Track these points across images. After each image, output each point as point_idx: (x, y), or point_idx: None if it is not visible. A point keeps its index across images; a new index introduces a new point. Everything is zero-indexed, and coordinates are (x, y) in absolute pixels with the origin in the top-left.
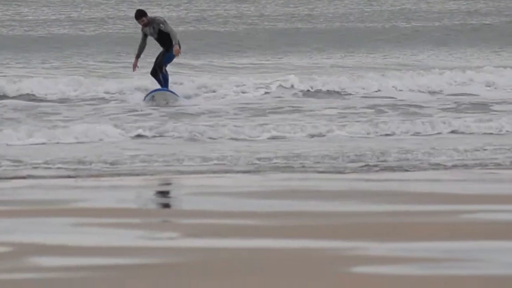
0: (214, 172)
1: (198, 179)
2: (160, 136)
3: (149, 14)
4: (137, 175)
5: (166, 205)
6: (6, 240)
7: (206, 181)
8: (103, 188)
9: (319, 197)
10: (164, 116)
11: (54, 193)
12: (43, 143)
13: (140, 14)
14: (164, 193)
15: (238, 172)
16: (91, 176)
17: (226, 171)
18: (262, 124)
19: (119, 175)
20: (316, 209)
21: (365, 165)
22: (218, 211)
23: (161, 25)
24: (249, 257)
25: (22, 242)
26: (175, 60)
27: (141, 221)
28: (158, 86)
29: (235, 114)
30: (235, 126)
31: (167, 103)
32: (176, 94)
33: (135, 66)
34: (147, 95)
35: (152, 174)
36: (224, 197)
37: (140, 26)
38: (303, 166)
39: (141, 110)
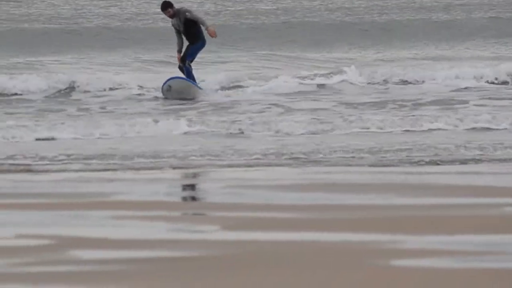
0: (252, 165)
1: (236, 172)
2: (198, 129)
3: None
4: (176, 168)
5: (204, 198)
6: (46, 233)
7: (244, 174)
8: (142, 181)
9: (357, 190)
10: (202, 108)
11: (94, 186)
12: (85, 138)
13: (166, 5)
14: (201, 186)
15: (276, 165)
16: (131, 169)
17: (265, 164)
18: (306, 118)
19: (158, 168)
20: (354, 202)
21: (403, 159)
22: (256, 204)
23: (187, 13)
24: (287, 250)
25: (62, 235)
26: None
27: (179, 214)
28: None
29: (279, 106)
30: (276, 119)
31: (185, 93)
32: (197, 85)
33: (179, 59)
34: (164, 84)
35: (190, 168)
36: (262, 190)
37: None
38: (341, 159)
39: (177, 103)
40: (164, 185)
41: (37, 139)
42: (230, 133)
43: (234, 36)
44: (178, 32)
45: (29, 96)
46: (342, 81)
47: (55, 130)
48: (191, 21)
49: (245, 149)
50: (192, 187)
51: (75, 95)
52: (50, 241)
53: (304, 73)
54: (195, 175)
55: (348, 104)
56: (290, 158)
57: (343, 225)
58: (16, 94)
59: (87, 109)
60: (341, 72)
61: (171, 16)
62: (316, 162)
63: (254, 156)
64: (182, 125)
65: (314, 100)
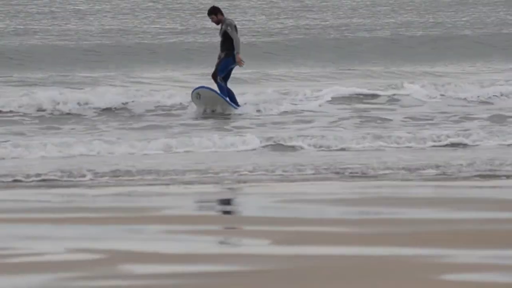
0: (303, 179)
1: (287, 186)
2: (249, 143)
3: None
4: (227, 182)
5: (255, 212)
6: (99, 247)
7: (295, 189)
8: (194, 195)
9: (409, 204)
10: (253, 122)
11: (146, 200)
12: (138, 152)
13: (210, 11)
14: (253, 201)
15: (328, 179)
16: (183, 183)
17: (316, 179)
18: (361, 132)
19: (209, 183)
20: (406, 216)
21: (455, 173)
22: (307, 218)
23: (228, 27)
24: (338, 264)
25: (114, 249)
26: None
27: (230, 228)
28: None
29: (332, 120)
30: (329, 133)
31: (214, 104)
32: (227, 101)
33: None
34: (193, 91)
35: (242, 182)
36: (314, 204)
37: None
38: (393, 174)
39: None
40: (216, 200)
41: (90, 154)
42: (281, 146)
43: (293, 51)
44: None
45: (85, 112)
46: (402, 95)
47: (110, 144)
48: (229, 36)
49: (297, 163)
50: (243, 201)
51: (131, 110)
52: (102, 256)
53: (363, 86)
54: (246, 190)
55: (405, 118)
56: (342, 172)
57: (395, 239)
58: (69, 110)
59: (141, 124)
60: (401, 86)
61: (216, 23)
62: (369, 176)
63: (306, 170)
64: (234, 140)
65: (371, 113)
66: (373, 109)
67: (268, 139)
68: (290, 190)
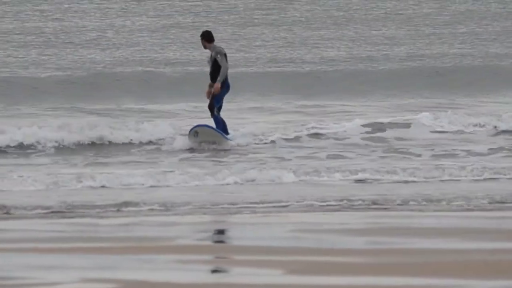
0: (315, 210)
1: (298, 217)
2: (257, 176)
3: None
4: (238, 214)
5: (267, 243)
6: (111, 277)
7: (307, 219)
8: (206, 225)
9: (419, 234)
10: (256, 156)
11: (158, 230)
12: (147, 185)
13: (202, 35)
14: (265, 231)
15: (338, 210)
16: (195, 214)
17: (327, 209)
18: (371, 164)
19: (222, 213)
20: (417, 246)
21: (464, 204)
22: (319, 248)
23: (218, 55)
24: None
25: (126, 278)
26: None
27: (242, 258)
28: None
29: (339, 151)
30: (336, 164)
31: (212, 140)
32: (224, 136)
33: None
34: (191, 130)
35: (253, 213)
36: (325, 234)
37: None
38: (404, 205)
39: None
40: (228, 230)
41: (102, 187)
42: (293, 177)
43: (292, 85)
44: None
45: (92, 144)
46: (411, 126)
47: (121, 177)
48: (218, 64)
49: (309, 194)
50: (255, 232)
51: (133, 143)
52: (113, 285)
53: (380, 116)
54: (258, 220)
55: (413, 150)
56: (352, 203)
57: (406, 269)
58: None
59: (153, 158)
60: (410, 118)
61: (204, 47)
62: (379, 208)
63: (318, 201)
64: (243, 172)
65: (386, 144)
66: (388, 140)
67: (278, 170)
68: (302, 220)
